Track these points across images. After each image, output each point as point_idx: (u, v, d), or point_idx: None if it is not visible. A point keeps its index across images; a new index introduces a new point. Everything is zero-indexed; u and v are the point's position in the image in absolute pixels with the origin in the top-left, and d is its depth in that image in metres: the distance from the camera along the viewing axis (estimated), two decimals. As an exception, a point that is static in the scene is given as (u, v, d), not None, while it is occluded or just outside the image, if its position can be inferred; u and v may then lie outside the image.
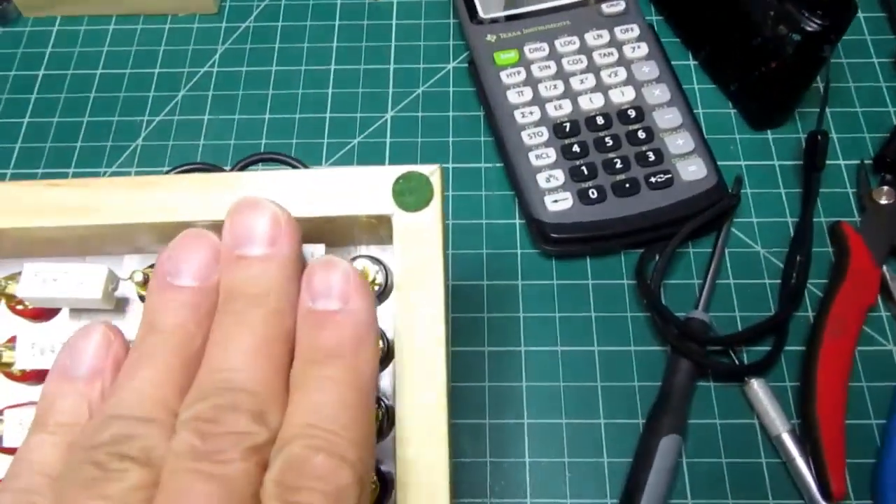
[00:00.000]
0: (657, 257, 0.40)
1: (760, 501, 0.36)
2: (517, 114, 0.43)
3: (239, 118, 0.47)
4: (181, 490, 0.16)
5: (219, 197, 0.24)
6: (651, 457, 0.35)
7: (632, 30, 0.45)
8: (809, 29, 0.38)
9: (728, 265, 0.41)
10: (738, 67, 0.44)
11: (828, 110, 0.46)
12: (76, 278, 0.24)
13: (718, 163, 0.42)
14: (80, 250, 0.26)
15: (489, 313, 0.40)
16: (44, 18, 0.51)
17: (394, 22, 0.50)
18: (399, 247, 0.23)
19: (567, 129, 0.42)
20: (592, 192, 0.41)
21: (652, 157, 0.42)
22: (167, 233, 0.22)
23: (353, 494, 0.17)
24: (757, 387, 0.37)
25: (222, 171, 0.43)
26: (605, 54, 0.44)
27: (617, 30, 0.45)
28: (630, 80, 0.44)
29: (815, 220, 0.42)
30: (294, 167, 0.42)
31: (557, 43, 0.45)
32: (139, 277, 0.25)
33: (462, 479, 0.36)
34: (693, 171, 0.41)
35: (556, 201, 0.41)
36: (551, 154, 0.42)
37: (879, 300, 0.40)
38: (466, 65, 0.48)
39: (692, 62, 0.48)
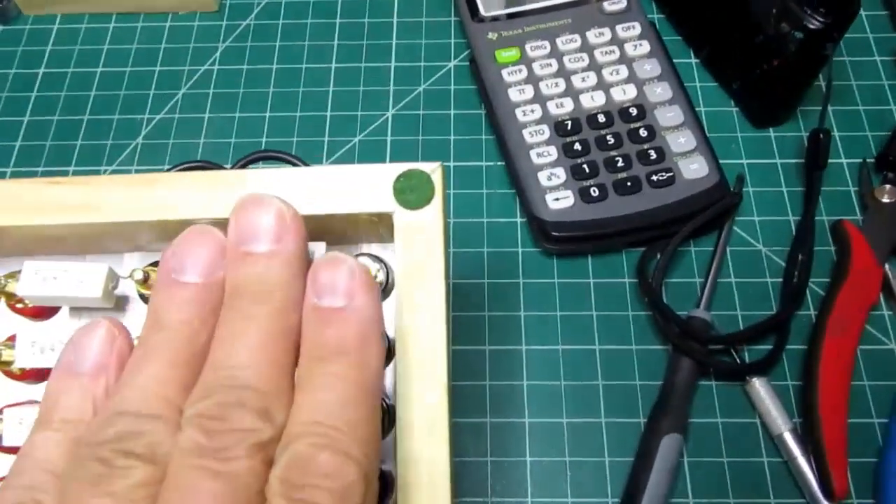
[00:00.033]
0: (658, 256, 0.40)
1: (762, 501, 0.36)
2: (518, 112, 0.43)
3: (239, 116, 0.47)
4: (186, 487, 0.16)
5: (219, 195, 0.23)
6: (652, 456, 0.35)
7: (633, 28, 0.45)
8: (812, 27, 0.38)
9: (730, 264, 0.41)
10: (739, 65, 0.44)
11: (830, 108, 0.46)
12: (76, 277, 0.24)
13: (720, 161, 0.42)
14: (81, 248, 0.26)
15: (490, 312, 0.40)
16: (44, 16, 0.51)
17: (395, 20, 0.50)
18: (400, 245, 0.23)
19: (568, 128, 0.42)
20: (594, 191, 0.41)
21: (653, 155, 0.41)
22: (168, 230, 0.22)
23: (359, 492, 0.17)
24: (758, 386, 0.37)
25: (223, 169, 0.43)
26: (606, 52, 0.44)
27: (618, 28, 0.45)
28: (631, 78, 0.44)
29: (816, 218, 0.42)
30: (295, 165, 0.42)
31: (559, 41, 0.45)
32: (139, 275, 0.24)
33: (463, 478, 0.36)
34: (695, 169, 0.41)
35: (557, 199, 0.40)
36: (552, 152, 0.42)
37: (881, 299, 0.40)
38: (467, 63, 0.48)
39: (694, 60, 0.48)
